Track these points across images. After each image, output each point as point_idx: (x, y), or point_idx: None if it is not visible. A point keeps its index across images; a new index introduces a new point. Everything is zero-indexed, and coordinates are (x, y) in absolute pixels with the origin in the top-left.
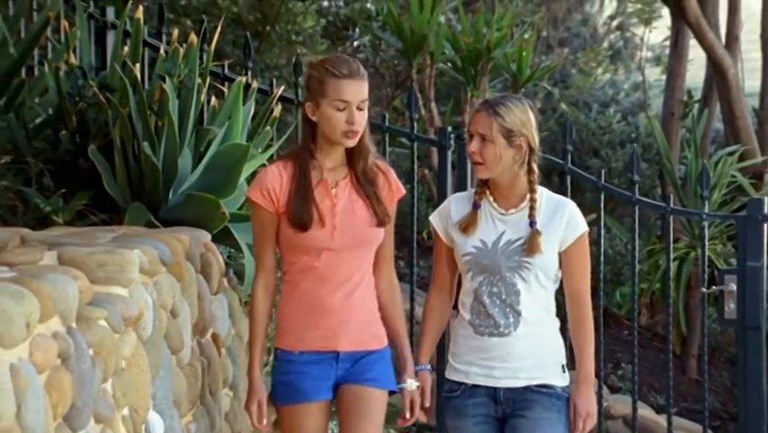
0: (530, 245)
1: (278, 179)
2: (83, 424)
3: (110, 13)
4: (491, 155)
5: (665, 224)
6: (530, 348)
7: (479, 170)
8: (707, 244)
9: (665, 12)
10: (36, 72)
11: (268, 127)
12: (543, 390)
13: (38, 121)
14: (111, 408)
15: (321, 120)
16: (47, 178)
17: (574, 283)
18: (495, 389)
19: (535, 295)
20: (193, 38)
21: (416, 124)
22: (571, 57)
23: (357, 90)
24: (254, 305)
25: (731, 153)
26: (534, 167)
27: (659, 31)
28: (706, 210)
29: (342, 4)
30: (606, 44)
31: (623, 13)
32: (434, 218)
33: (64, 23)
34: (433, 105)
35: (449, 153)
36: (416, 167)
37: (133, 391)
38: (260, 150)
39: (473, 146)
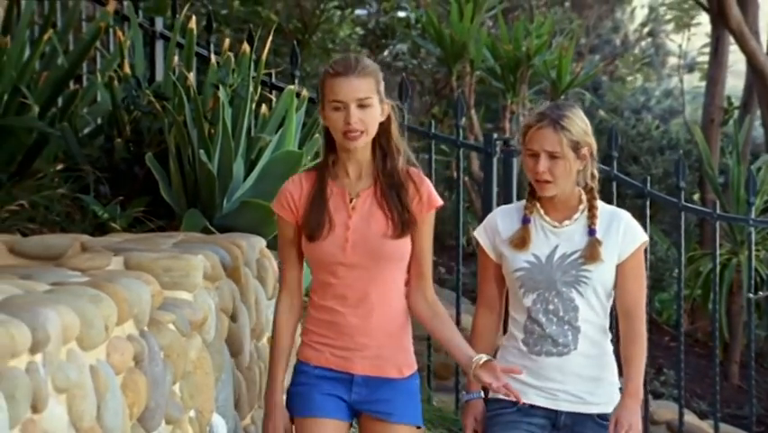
0: (591, 253)
1: (297, 189)
2: (156, 425)
3: (158, 23)
4: (562, 172)
5: (712, 229)
6: (591, 368)
7: (546, 188)
8: (753, 249)
9: (699, 19)
10: (85, 82)
11: (317, 135)
12: (604, 422)
13: (87, 130)
14: (180, 409)
15: (327, 124)
16: (103, 185)
17: (630, 298)
18: (556, 412)
19: (594, 311)
20: (245, 47)
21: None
22: (601, 64)
23: (352, 88)
24: (276, 325)
25: None
26: (596, 173)
27: (694, 37)
28: (752, 216)
29: (380, 12)
30: (637, 51)
31: (654, 19)
32: (480, 234)
33: (119, 33)
34: (473, 112)
35: (494, 160)
36: (461, 173)
37: (199, 394)
38: (309, 157)
39: (542, 165)
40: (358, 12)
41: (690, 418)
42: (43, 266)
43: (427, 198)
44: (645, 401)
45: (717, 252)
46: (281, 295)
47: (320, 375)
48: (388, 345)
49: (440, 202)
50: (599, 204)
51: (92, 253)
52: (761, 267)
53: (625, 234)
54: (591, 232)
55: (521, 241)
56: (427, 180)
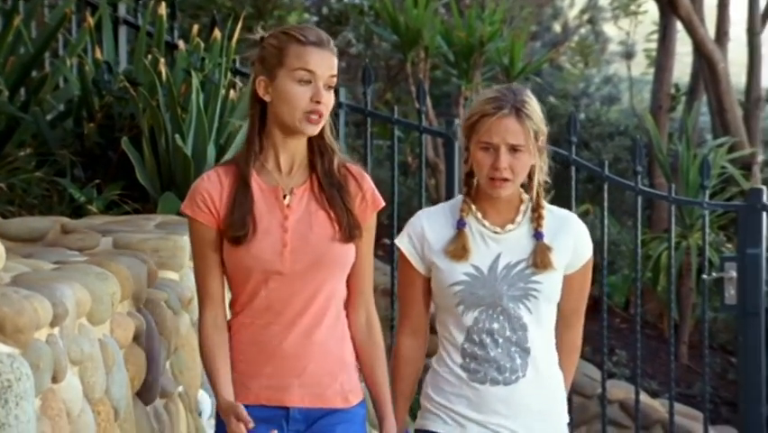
0: (541, 259)
1: (216, 186)
2: (152, 398)
3: (121, 8)
4: (523, 167)
5: (667, 212)
6: (541, 398)
7: (503, 187)
8: (707, 232)
9: (645, 6)
10: (47, 67)
11: None
12: None
13: (50, 116)
14: (172, 384)
15: (276, 99)
16: (78, 169)
17: (571, 304)
18: None
19: (544, 329)
20: (217, 34)
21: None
22: (552, 50)
23: (327, 62)
24: (204, 344)
25: (720, 145)
26: (545, 167)
27: (627, 23)
28: (706, 200)
29: None
30: (576, 38)
31: (594, 6)
32: (404, 242)
33: (89, 19)
34: (428, 99)
35: (456, 146)
36: (424, 159)
37: (187, 370)
38: None
39: (504, 161)
40: None
41: (642, 397)
42: (32, 246)
43: (371, 196)
44: (602, 381)
45: (673, 234)
46: (206, 312)
47: (253, 417)
48: (331, 368)
49: (383, 203)
50: (547, 205)
51: (81, 234)
52: (710, 250)
53: (577, 244)
54: (538, 235)
55: (460, 249)
56: (368, 177)
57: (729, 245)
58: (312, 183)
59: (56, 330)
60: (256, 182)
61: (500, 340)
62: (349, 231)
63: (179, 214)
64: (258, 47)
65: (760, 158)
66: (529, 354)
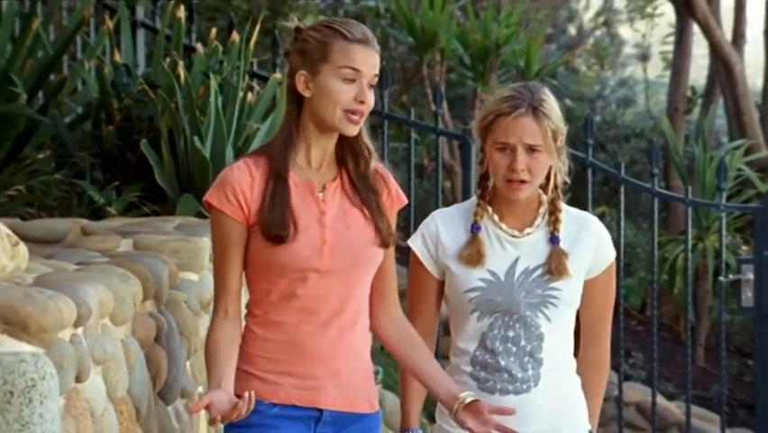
0: (556, 266)
1: (247, 178)
2: (173, 398)
3: (139, 12)
4: (541, 168)
5: (684, 215)
6: (555, 407)
7: (521, 189)
8: (724, 234)
9: (662, 8)
10: (65, 70)
11: None
12: None
13: (68, 119)
14: (192, 384)
15: (317, 95)
16: (97, 171)
17: (596, 316)
18: None
19: (561, 338)
20: (235, 37)
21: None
22: (569, 53)
23: (371, 61)
24: (215, 336)
25: (737, 148)
26: (564, 168)
27: (643, 25)
28: (723, 202)
29: (349, 1)
30: (591, 41)
31: (609, 9)
32: (417, 243)
33: (108, 22)
34: (444, 101)
35: (473, 148)
36: (440, 161)
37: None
38: None
39: (521, 162)
40: (317, 1)
41: (659, 399)
42: (51, 248)
43: (396, 193)
44: (619, 383)
45: (689, 236)
46: (221, 304)
47: (278, 415)
48: (359, 372)
49: (406, 200)
50: (564, 207)
51: (101, 236)
52: (727, 252)
53: (598, 248)
54: (554, 240)
55: (475, 254)
56: (392, 176)
57: (746, 247)
58: (342, 180)
59: (79, 330)
60: (290, 177)
61: (514, 349)
62: (385, 235)
63: (203, 205)
64: (293, 37)
65: None
66: (542, 365)
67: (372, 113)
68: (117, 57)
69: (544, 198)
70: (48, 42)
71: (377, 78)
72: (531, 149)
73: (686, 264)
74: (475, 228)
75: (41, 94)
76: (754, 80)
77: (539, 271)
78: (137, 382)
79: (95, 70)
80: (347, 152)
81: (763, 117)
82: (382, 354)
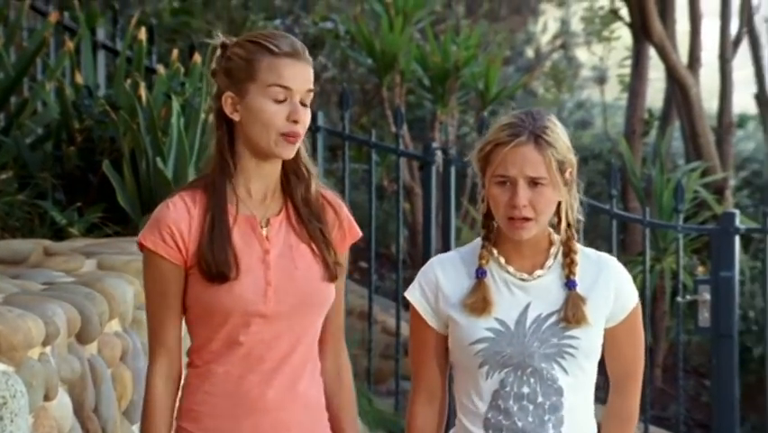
0: (573, 313)
1: (184, 216)
2: (138, 417)
3: (100, 33)
4: (547, 204)
5: (641, 236)
6: None
7: (524, 228)
8: (681, 255)
9: (618, 32)
10: (26, 92)
11: None
12: None
13: (29, 140)
14: None
15: (246, 118)
16: (58, 192)
17: (623, 368)
18: None
19: (582, 392)
20: (197, 58)
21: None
22: (526, 75)
23: (303, 75)
24: (152, 401)
25: (693, 170)
26: (576, 204)
27: (600, 49)
28: (680, 223)
29: (308, 23)
30: (549, 63)
31: (566, 32)
32: (415, 295)
33: (68, 43)
34: (404, 123)
35: (433, 169)
36: (401, 183)
37: None
38: None
39: (522, 197)
40: (276, 22)
41: None
42: (15, 268)
43: (348, 225)
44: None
45: (648, 257)
46: (158, 360)
47: None
48: (315, 421)
49: (360, 233)
50: (579, 247)
51: (65, 256)
52: (684, 273)
53: (619, 293)
54: (570, 284)
55: (480, 301)
56: (345, 206)
57: (702, 268)
58: (288, 212)
59: (48, 349)
60: (229, 211)
61: (531, 407)
62: (333, 268)
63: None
64: (219, 55)
65: (732, 182)
66: (563, 424)
67: (333, 134)
68: (78, 78)
69: (556, 236)
70: (8, 64)
71: (311, 94)
72: (534, 182)
73: (644, 285)
74: (480, 273)
75: (1, 115)
76: (709, 103)
77: (554, 319)
78: (104, 401)
79: (55, 92)
80: (289, 177)
81: (718, 140)
82: None
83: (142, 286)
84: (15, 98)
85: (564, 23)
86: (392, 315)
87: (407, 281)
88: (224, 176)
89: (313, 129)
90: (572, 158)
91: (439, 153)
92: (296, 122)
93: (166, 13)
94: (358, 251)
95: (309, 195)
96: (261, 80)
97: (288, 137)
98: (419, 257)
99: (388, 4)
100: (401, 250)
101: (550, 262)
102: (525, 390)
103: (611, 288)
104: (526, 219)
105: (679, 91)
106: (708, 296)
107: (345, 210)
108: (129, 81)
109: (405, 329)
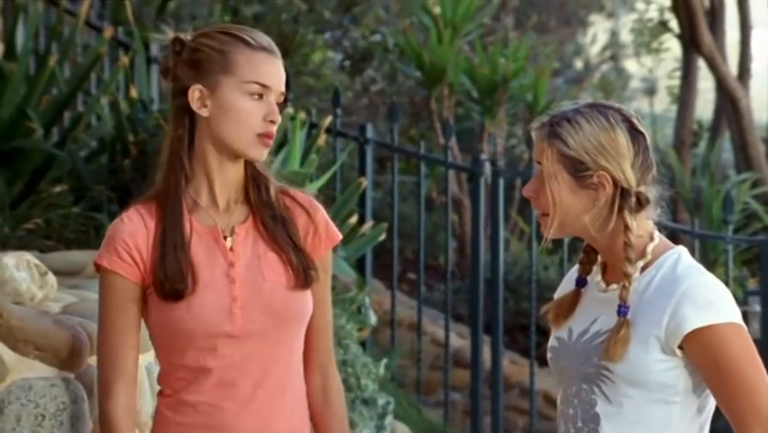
0: (607, 343)
1: (141, 230)
2: None
3: (153, 48)
4: (554, 197)
5: (691, 248)
6: None
7: (543, 224)
8: (731, 266)
9: (667, 43)
10: (80, 106)
11: (313, 155)
12: None
13: (83, 153)
14: None
15: (218, 114)
16: (113, 204)
17: (725, 407)
18: None
19: (630, 428)
20: None
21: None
22: (574, 86)
23: (280, 74)
24: None
25: (743, 181)
26: (629, 219)
27: (649, 60)
28: (730, 234)
29: (357, 36)
30: (598, 74)
31: (615, 43)
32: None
33: (124, 58)
34: (453, 135)
35: (481, 181)
36: (450, 194)
37: None
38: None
39: (528, 185)
40: (326, 36)
41: None
42: (71, 279)
43: (325, 229)
44: None
45: None
46: (118, 393)
47: None
48: None
49: (339, 236)
50: (670, 263)
51: None
52: (734, 284)
53: (676, 311)
54: (620, 310)
55: (559, 311)
56: (321, 207)
57: (752, 280)
58: (255, 220)
59: None
60: (188, 222)
61: (572, 431)
62: (303, 273)
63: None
64: (174, 50)
65: None
66: None
67: (383, 146)
68: (132, 92)
69: (650, 248)
70: (63, 79)
71: (282, 95)
72: (542, 171)
73: None
74: (579, 282)
75: (56, 130)
76: (759, 114)
77: (604, 337)
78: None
79: (109, 106)
80: (248, 181)
81: None
82: (392, 384)
83: None
84: (70, 113)
85: (614, 34)
86: (441, 326)
87: (456, 293)
88: (180, 179)
89: (362, 141)
90: (605, 163)
91: (487, 165)
92: (272, 122)
93: None
94: (407, 262)
95: (269, 197)
96: (238, 74)
97: (264, 138)
98: (467, 269)
99: (437, 16)
100: (450, 261)
101: (636, 274)
102: (570, 411)
103: (667, 308)
104: (544, 215)
105: (728, 102)
106: (758, 307)
107: (321, 213)
108: None
109: (453, 340)
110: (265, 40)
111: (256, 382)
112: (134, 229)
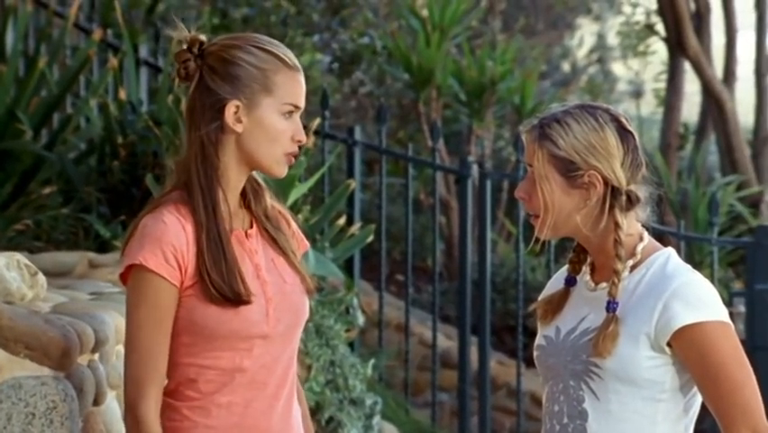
0: (596, 338)
1: (182, 234)
2: None
3: (142, 50)
4: (546, 198)
5: (677, 249)
6: None
7: (536, 224)
8: (716, 268)
9: (654, 47)
10: (69, 108)
11: (302, 157)
12: None
13: (72, 154)
14: None
15: (254, 131)
16: (103, 206)
17: (708, 401)
18: None
19: (618, 425)
20: None
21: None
22: (561, 89)
23: (304, 91)
24: None
25: (728, 183)
26: (619, 217)
27: (636, 63)
28: (715, 236)
29: (346, 38)
30: (585, 77)
31: (602, 47)
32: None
33: (113, 60)
34: (441, 137)
35: (469, 183)
36: (438, 196)
37: None
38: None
39: (520, 187)
40: (315, 38)
41: None
42: (61, 280)
43: (299, 237)
44: None
45: None
46: (150, 391)
47: None
48: None
49: (308, 244)
50: (661, 262)
51: (110, 268)
52: (719, 286)
53: (666, 308)
54: (609, 306)
55: (548, 309)
56: (292, 217)
57: (738, 281)
58: (258, 225)
59: (96, 356)
60: (222, 224)
61: (558, 428)
62: (309, 282)
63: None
64: (196, 54)
65: (767, 196)
66: None
67: (371, 148)
68: (122, 94)
69: (639, 247)
70: (52, 81)
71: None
72: (533, 172)
73: None
74: (568, 281)
75: (45, 132)
76: (745, 117)
77: (592, 335)
78: None
79: (98, 108)
80: (247, 191)
81: (754, 154)
82: (380, 384)
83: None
84: (59, 115)
85: (600, 37)
86: (429, 327)
87: (443, 294)
88: (214, 183)
89: (350, 143)
90: (597, 162)
91: (475, 167)
92: (300, 140)
93: (206, 30)
94: (394, 264)
95: (267, 206)
96: (278, 96)
97: (290, 156)
98: (455, 270)
99: (425, 19)
100: (437, 263)
101: (625, 273)
102: (556, 407)
103: (658, 304)
104: (536, 217)
105: (714, 105)
106: (743, 308)
107: (294, 222)
108: (171, 97)
109: (441, 341)
110: (293, 57)
111: (280, 382)
112: (178, 233)
